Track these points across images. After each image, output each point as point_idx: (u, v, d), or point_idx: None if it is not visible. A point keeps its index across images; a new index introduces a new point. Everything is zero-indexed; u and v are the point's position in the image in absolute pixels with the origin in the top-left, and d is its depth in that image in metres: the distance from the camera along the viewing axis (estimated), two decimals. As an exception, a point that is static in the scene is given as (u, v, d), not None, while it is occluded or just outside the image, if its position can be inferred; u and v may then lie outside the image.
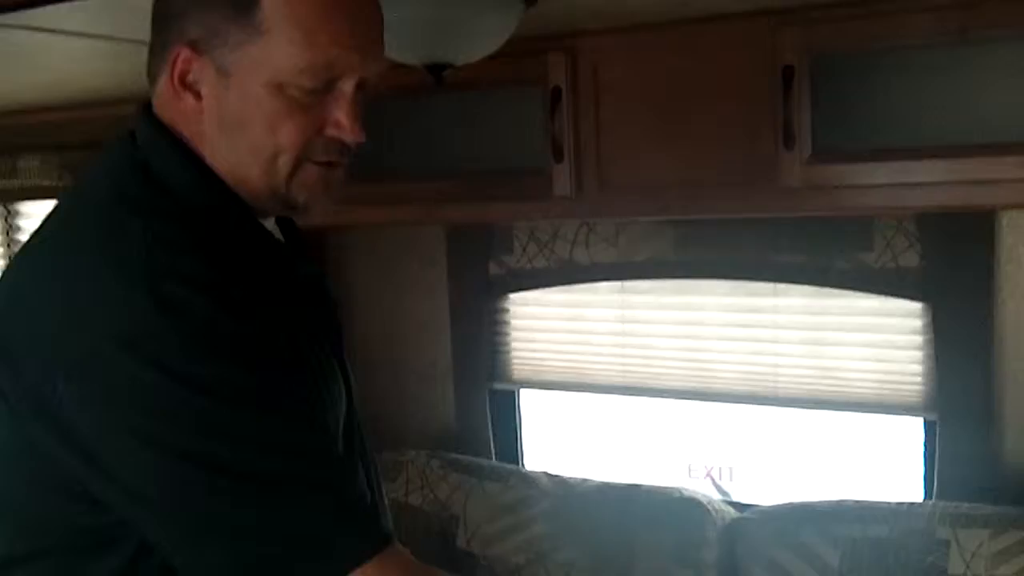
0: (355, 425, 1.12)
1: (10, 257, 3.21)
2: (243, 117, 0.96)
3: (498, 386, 2.49)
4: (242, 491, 0.87)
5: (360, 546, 0.90)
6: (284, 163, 0.98)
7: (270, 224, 1.08)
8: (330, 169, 1.01)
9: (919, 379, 2.03)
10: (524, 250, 2.39)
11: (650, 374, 2.29)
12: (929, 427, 2.06)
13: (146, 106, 1.02)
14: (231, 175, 0.99)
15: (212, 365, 0.87)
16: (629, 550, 2.03)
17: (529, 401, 2.55)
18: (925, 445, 2.07)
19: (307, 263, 1.14)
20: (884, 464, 2.26)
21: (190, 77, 0.97)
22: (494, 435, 2.50)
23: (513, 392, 2.53)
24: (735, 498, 2.24)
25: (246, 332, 0.90)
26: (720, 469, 2.50)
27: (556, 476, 2.24)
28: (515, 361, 2.47)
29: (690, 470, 2.46)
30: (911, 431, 2.12)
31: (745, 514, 2.06)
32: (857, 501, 1.95)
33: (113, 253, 0.90)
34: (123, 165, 0.99)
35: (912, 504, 1.92)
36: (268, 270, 1.01)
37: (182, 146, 0.99)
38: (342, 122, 0.98)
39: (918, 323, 2.02)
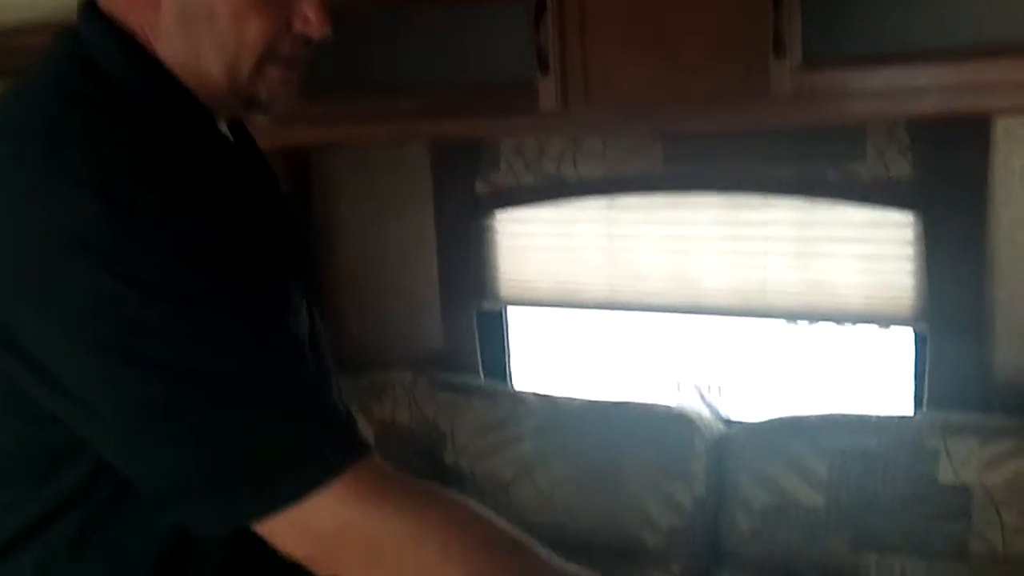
0: (320, 344, 1.07)
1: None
2: (207, 9, 0.89)
3: (485, 305, 2.47)
4: (205, 399, 0.80)
5: (335, 456, 0.83)
6: (248, 60, 0.91)
7: (223, 129, 1.01)
8: (293, 66, 0.96)
9: (910, 290, 2.02)
10: (511, 167, 2.34)
11: (639, 289, 2.27)
12: (919, 339, 2.05)
13: (89, 1, 0.94)
14: (187, 71, 0.92)
15: (171, 268, 0.81)
16: (617, 465, 2.03)
17: (517, 320, 2.54)
18: (916, 357, 2.07)
19: (263, 169, 1.08)
20: (874, 377, 2.26)
21: None
22: (482, 354, 2.48)
23: (500, 311, 2.51)
24: (724, 414, 2.24)
25: (205, 232, 0.83)
26: (709, 385, 2.49)
27: (544, 394, 2.23)
28: (503, 279, 2.44)
29: (679, 386, 2.46)
30: (902, 344, 2.11)
31: (734, 428, 2.06)
32: (846, 414, 1.95)
33: (54, 152, 0.83)
34: (63, 60, 0.92)
35: (902, 416, 1.92)
36: (223, 172, 0.94)
37: (129, 38, 0.91)
38: (310, 16, 0.92)
39: (909, 234, 2.00)
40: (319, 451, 0.83)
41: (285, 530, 0.82)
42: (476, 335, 2.48)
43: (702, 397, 2.43)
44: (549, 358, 2.49)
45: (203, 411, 0.80)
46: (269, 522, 0.82)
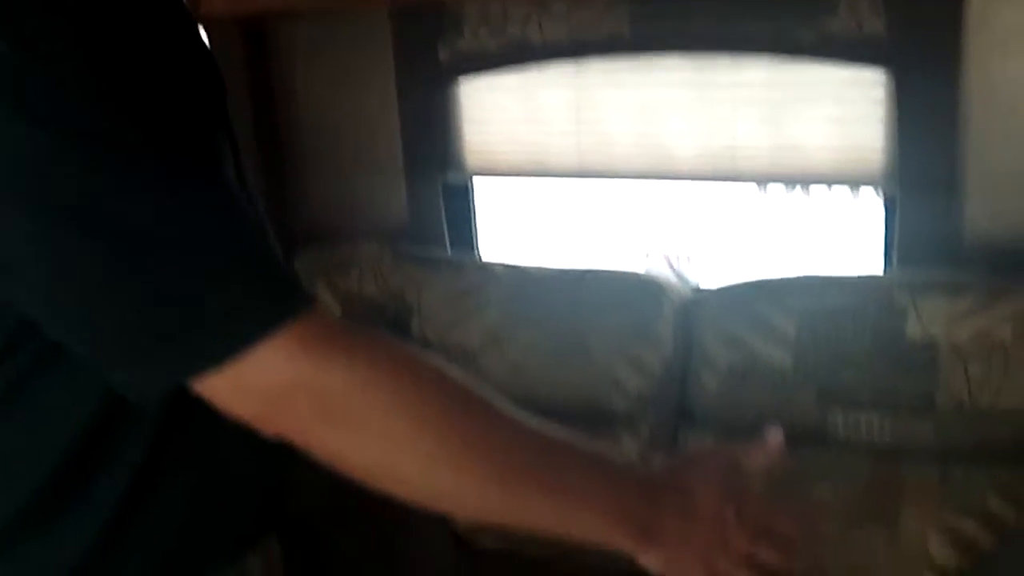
0: (254, 198, 1.00)
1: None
2: None
3: (451, 176, 2.42)
4: (132, 250, 0.73)
5: (277, 307, 0.76)
6: None
7: None
8: None
9: (881, 151, 1.98)
10: (474, 33, 2.27)
11: (607, 155, 2.23)
12: (890, 200, 2.03)
13: None
14: None
15: (91, 110, 0.72)
16: (585, 331, 2.01)
17: (484, 191, 2.49)
18: (886, 218, 2.05)
19: (191, 30, 0.93)
20: (846, 240, 2.25)
21: None
22: (448, 226, 2.44)
23: (466, 182, 2.46)
24: (693, 282, 2.22)
25: (132, 73, 0.75)
26: (678, 254, 2.47)
27: (511, 264, 2.20)
28: (468, 150, 2.39)
29: (648, 255, 2.44)
30: (873, 205, 2.09)
31: (702, 292, 2.04)
32: (815, 275, 1.94)
33: None
34: None
35: (871, 275, 1.91)
36: (150, 23, 0.83)
37: None
38: None
39: (881, 93, 1.96)
40: (260, 302, 0.76)
41: (227, 388, 0.77)
42: (442, 207, 2.44)
43: (671, 266, 2.41)
44: (517, 229, 2.45)
45: (130, 263, 0.74)
46: (209, 381, 0.76)
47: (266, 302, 0.77)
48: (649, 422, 1.98)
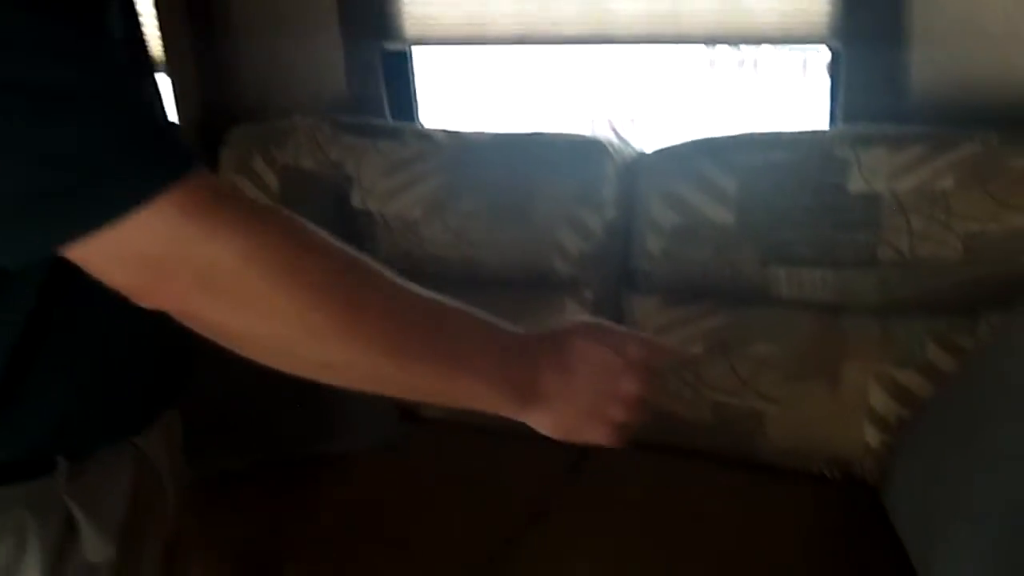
0: (143, 52, 0.93)
1: None
2: None
3: (389, 44, 2.34)
4: (7, 105, 0.68)
5: (158, 169, 0.71)
6: None
7: None
8: None
9: (826, 5, 1.94)
10: None
11: (548, 21, 2.16)
12: (835, 55, 1.98)
13: None
14: None
15: None
16: (527, 196, 1.97)
17: (424, 59, 2.42)
18: (831, 74, 2.01)
19: None
20: (792, 100, 2.20)
21: None
22: (388, 97, 2.38)
23: (406, 50, 2.38)
24: (638, 148, 2.18)
25: None
26: (623, 119, 2.43)
27: (453, 131, 2.15)
28: (407, 17, 2.31)
29: (592, 121, 2.38)
30: (818, 63, 2.04)
31: (645, 153, 2.01)
32: (758, 132, 1.91)
33: None
34: None
35: (814, 131, 1.87)
36: None
37: None
38: None
39: (827, -56, 1.90)
40: (138, 165, 0.71)
41: (103, 256, 0.72)
42: (381, 77, 2.37)
43: (615, 131, 2.36)
44: (459, 99, 2.39)
45: (17, 122, 0.69)
46: (83, 247, 0.71)
47: (145, 165, 0.71)
48: (592, 285, 1.96)
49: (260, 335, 0.78)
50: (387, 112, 2.37)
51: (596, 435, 0.92)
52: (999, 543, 1.18)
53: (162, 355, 0.99)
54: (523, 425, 0.91)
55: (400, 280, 0.82)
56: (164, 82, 2.39)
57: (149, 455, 0.99)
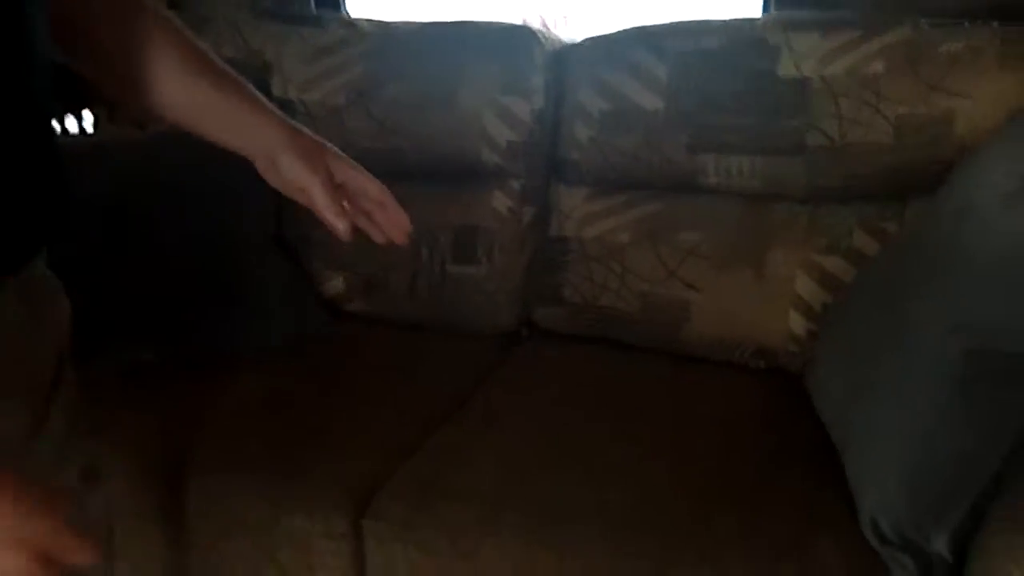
0: None
1: None
2: None
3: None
4: None
5: None
6: None
7: None
8: None
9: None
10: None
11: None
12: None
13: None
14: None
15: None
16: (454, 84, 1.91)
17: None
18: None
19: None
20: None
21: None
22: (313, -14, 2.30)
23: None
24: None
25: None
26: (554, 16, 2.37)
27: (378, 19, 2.07)
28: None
29: (523, 20, 2.31)
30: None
31: (575, 42, 1.95)
32: (689, 20, 1.86)
33: None
34: None
35: (746, 17, 1.83)
36: None
37: None
38: None
39: None
40: None
41: None
42: (305, -37, 2.28)
43: (546, 27, 2.29)
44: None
45: None
46: None
47: None
48: (520, 175, 1.92)
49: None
50: (312, 2, 2.29)
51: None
52: (903, 417, 1.17)
53: (28, 196, 0.90)
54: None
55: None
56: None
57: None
